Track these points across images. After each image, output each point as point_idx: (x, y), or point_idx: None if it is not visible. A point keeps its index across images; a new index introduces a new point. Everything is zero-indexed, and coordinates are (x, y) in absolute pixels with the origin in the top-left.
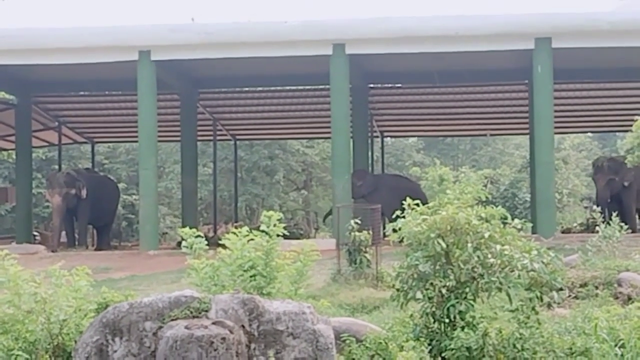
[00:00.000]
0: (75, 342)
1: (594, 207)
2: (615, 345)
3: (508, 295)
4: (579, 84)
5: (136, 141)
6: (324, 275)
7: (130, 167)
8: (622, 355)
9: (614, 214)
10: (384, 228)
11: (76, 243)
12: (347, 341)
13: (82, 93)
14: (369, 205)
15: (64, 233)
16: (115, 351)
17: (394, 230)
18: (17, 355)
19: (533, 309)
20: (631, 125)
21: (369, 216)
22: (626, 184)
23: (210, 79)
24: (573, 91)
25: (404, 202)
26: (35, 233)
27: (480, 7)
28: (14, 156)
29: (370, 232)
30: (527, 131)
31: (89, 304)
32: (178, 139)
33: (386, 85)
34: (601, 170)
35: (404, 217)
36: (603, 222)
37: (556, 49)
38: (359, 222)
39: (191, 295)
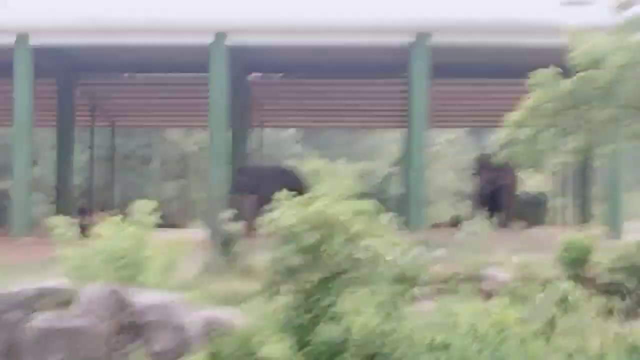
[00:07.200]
0: None
1: (471, 202)
2: (475, 340)
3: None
4: (457, 80)
5: (10, 126)
6: (196, 266)
7: (2, 152)
8: (480, 349)
9: (487, 210)
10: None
11: None
12: (215, 333)
13: None
14: (247, 197)
15: None
16: None
17: (268, 222)
18: None
19: (396, 303)
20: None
21: (244, 207)
22: (503, 181)
23: (88, 65)
24: (449, 85)
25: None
26: None
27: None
28: None
29: (245, 223)
30: (405, 125)
31: None
32: (55, 124)
33: (266, 75)
34: (483, 166)
35: (278, 209)
36: (474, 218)
37: (435, 45)
38: (234, 213)
39: (57, 287)
